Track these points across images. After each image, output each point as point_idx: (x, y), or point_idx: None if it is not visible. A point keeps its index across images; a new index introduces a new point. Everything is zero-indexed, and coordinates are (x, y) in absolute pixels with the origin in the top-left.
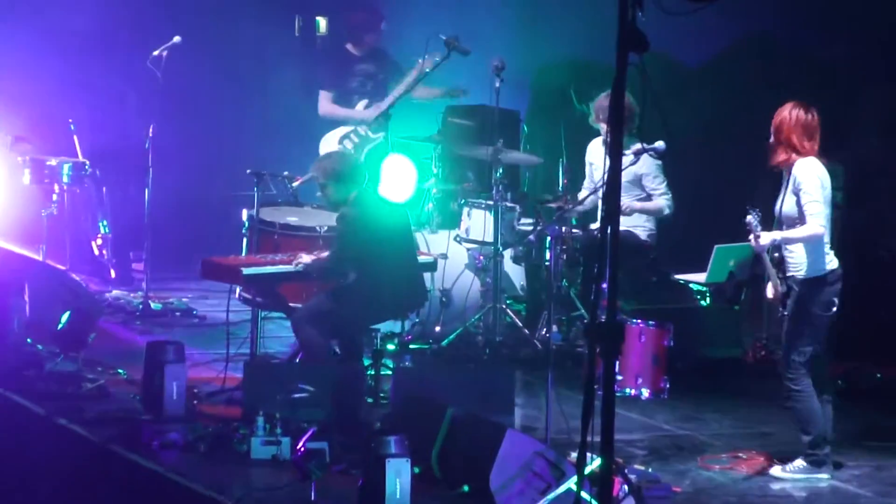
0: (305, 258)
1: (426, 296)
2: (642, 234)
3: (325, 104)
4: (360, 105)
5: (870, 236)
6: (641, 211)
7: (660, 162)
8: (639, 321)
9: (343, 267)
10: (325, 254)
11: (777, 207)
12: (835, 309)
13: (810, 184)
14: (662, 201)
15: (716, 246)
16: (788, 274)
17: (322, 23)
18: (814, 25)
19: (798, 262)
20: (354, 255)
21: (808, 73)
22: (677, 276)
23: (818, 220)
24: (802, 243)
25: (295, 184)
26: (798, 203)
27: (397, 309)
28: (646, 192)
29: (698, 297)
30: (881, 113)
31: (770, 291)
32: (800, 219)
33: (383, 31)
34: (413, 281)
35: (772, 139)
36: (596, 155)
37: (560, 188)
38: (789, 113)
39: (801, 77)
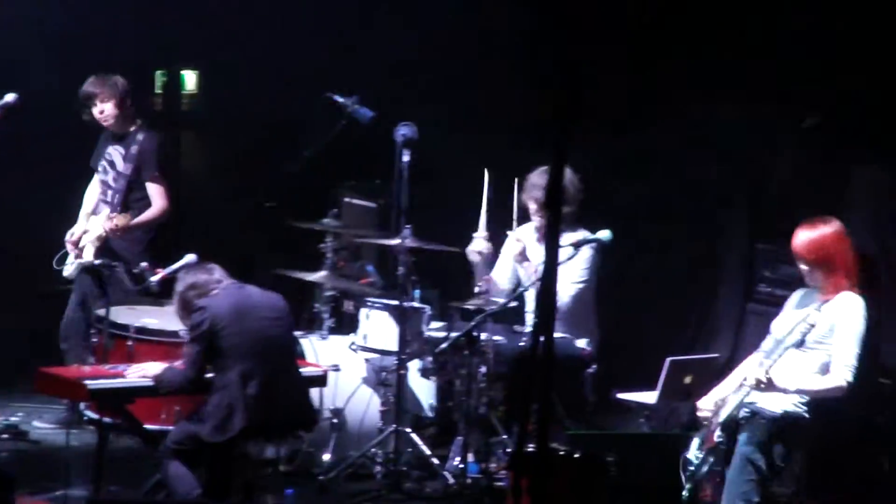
0: (150, 370)
1: (314, 415)
2: (580, 342)
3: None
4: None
5: None
6: None
7: (593, 252)
8: (572, 450)
9: (200, 374)
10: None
11: None
12: None
13: None
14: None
15: (668, 359)
16: None
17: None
18: None
19: None
20: (215, 357)
21: None
22: (620, 395)
23: None
24: None
25: (154, 278)
26: None
27: (273, 429)
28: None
29: (644, 420)
30: None
31: None
32: None
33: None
34: (294, 392)
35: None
36: (524, 243)
37: (479, 285)
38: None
39: None
